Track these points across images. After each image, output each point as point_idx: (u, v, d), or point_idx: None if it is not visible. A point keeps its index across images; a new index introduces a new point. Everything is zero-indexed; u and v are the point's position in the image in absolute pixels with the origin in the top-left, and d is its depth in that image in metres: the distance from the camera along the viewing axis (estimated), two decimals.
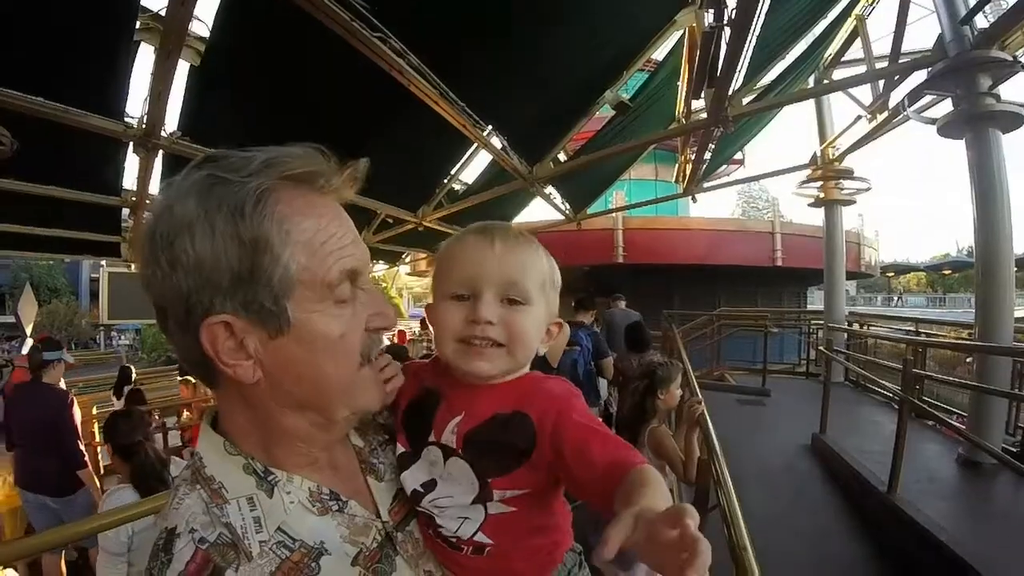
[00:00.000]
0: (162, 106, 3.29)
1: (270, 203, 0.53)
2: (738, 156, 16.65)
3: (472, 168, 6.68)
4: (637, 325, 5.38)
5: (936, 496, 3.86)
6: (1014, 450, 4.76)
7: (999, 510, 3.87)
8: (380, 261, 11.20)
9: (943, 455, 4.77)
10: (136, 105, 3.43)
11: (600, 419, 0.75)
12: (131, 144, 3.74)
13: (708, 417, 2.47)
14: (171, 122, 3.67)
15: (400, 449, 0.71)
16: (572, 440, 0.61)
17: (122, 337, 29.78)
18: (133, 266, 7.63)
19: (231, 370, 0.55)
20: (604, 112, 5.81)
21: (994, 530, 3.45)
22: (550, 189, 7.53)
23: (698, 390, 3.02)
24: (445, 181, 6.69)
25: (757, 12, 3.43)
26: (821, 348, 6.98)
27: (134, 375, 7.69)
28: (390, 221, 7.25)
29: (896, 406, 4.20)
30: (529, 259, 0.70)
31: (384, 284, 19.54)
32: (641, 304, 10.99)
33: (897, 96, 6.16)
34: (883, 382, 5.74)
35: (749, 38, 3.70)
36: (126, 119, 3.48)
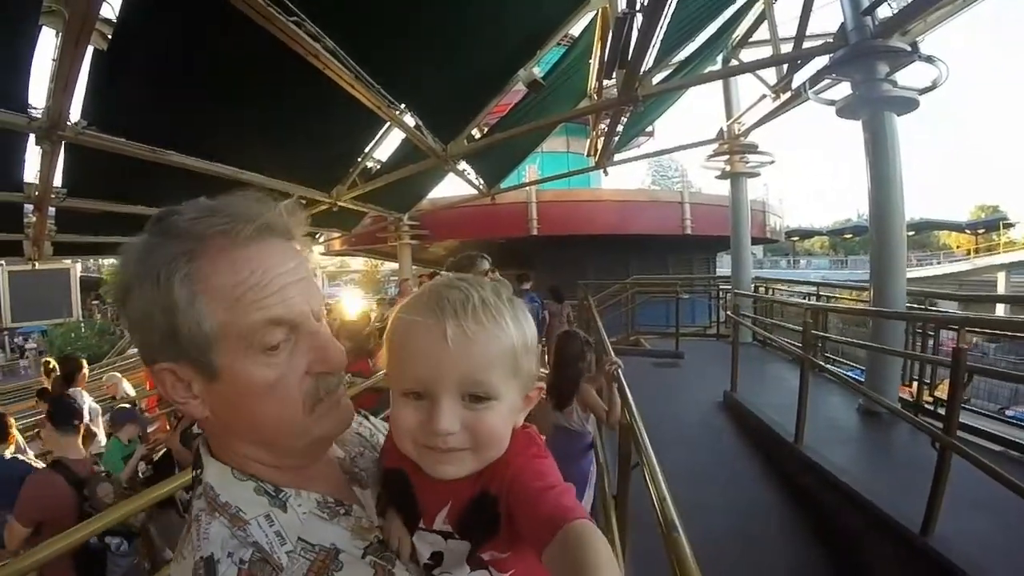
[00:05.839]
0: (68, 95, 3.10)
1: (188, 266, 0.57)
2: (648, 128, 17.07)
3: (386, 146, 6.66)
4: (556, 286, 8.46)
5: (838, 443, 4.25)
6: (911, 399, 5.21)
7: (895, 455, 4.29)
8: None
9: (845, 406, 5.20)
10: (36, 92, 3.22)
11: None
12: (33, 136, 3.51)
13: (623, 379, 2.83)
14: (74, 111, 3.45)
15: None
16: (523, 504, 0.60)
17: (29, 340, 27.48)
18: (36, 263, 7.05)
19: (182, 408, 0.62)
20: (518, 86, 5.88)
21: (890, 472, 3.84)
22: (464, 165, 7.65)
23: (613, 354, 3.33)
24: (359, 160, 6.63)
25: (668, 1, 3.58)
26: (729, 313, 7.45)
27: None
28: (303, 202, 7.10)
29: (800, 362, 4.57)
30: (493, 345, 0.61)
31: None
32: (555, 274, 11.19)
33: (800, 77, 6.51)
34: (787, 342, 6.18)
35: (660, 24, 3.85)
36: (29, 110, 3.26)
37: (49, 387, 5.94)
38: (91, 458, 3.15)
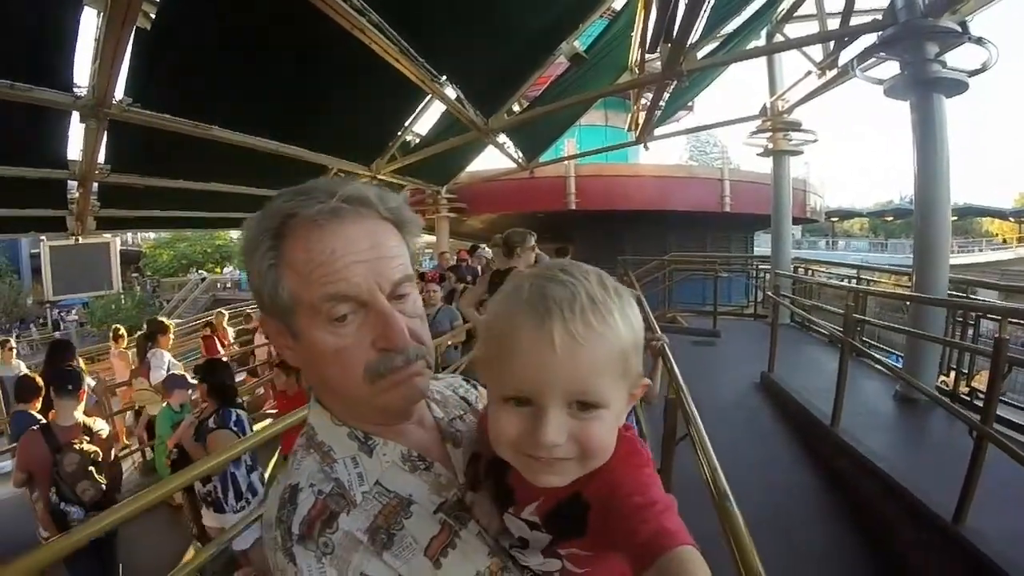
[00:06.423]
0: (114, 74, 3.16)
1: (271, 241, 0.66)
2: (688, 103, 16.75)
3: (426, 119, 6.65)
4: (586, 261, 7.87)
5: (874, 428, 4.20)
6: (948, 388, 5.08)
7: (931, 443, 4.21)
8: None
9: (882, 392, 5.12)
10: (80, 71, 3.27)
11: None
12: (77, 114, 3.57)
13: (669, 353, 2.89)
14: (118, 88, 3.50)
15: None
16: (623, 519, 0.56)
17: (72, 312, 28.44)
18: (80, 238, 7.27)
19: (282, 352, 0.73)
20: (560, 59, 5.86)
21: (925, 460, 3.79)
22: (503, 138, 7.61)
23: (658, 329, 3.37)
24: (399, 133, 6.63)
25: None
26: (769, 293, 7.36)
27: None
28: (343, 175, 7.16)
29: (839, 346, 4.60)
30: (603, 349, 0.55)
31: None
32: (593, 250, 11.16)
33: (847, 55, 6.25)
34: (826, 324, 6.06)
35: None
36: (74, 89, 3.32)
37: (117, 351, 6.65)
38: (81, 426, 3.33)
